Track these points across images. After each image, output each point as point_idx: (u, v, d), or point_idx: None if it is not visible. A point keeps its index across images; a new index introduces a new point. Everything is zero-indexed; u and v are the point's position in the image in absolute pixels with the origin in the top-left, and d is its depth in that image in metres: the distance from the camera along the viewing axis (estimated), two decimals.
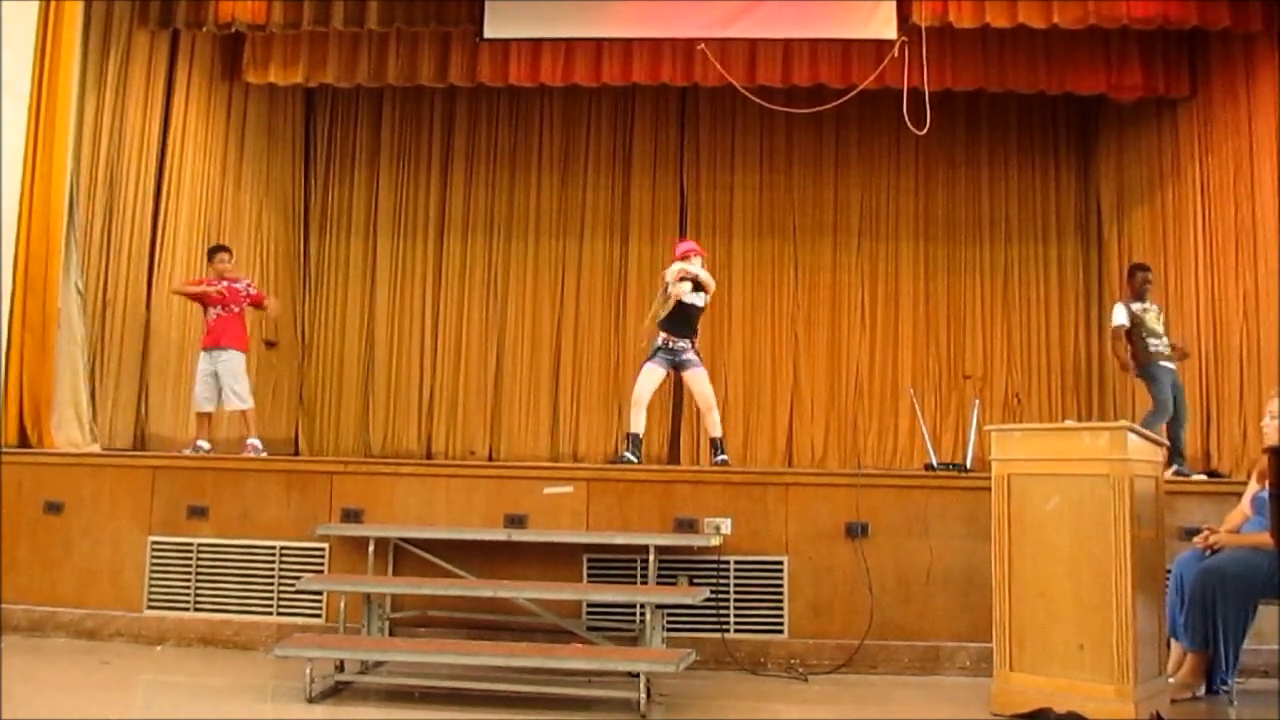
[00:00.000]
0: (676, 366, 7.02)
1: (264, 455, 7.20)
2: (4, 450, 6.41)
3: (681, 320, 7.00)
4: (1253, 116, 7.51)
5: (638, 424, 6.94)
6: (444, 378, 10.16)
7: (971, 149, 10.16)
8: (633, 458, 6.81)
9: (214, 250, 7.69)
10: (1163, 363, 7.28)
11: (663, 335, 6.99)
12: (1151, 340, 7.30)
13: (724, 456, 6.99)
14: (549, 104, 10.29)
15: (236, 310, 7.47)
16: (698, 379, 7.02)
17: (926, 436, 8.00)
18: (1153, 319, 7.35)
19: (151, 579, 5.95)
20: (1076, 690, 4.39)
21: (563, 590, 5.53)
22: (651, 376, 6.98)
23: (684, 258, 7.09)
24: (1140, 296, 7.42)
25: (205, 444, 7.27)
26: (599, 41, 8.25)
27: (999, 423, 8.07)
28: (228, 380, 7.36)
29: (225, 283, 7.48)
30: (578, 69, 8.33)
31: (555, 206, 10.34)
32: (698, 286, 7.00)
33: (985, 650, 4.95)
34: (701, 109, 10.25)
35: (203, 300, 7.50)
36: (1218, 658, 4.81)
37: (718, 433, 7.07)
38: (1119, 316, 7.42)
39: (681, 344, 6.99)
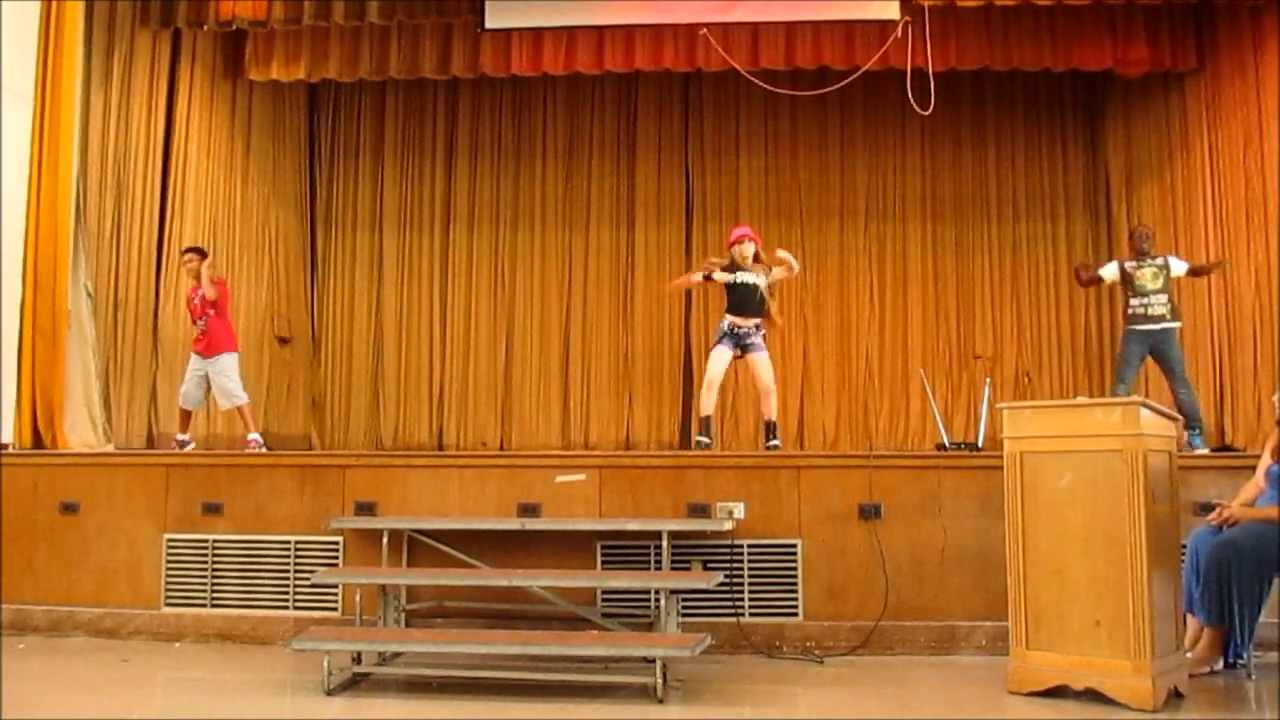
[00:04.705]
0: (743, 349, 6.97)
1: (264, 450, 7.23)
2: (20, 452, 6.47)
3: (741, 301, 6.96)
4: (1261, 89, 7.43)
5: (709, 406, 6.94)
6: (454, 369, 10.15)
7: (978, 128, 10.07)
8: (705, 440, 6.84)
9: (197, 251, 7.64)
10: (1136, 326, 7.11)
11: (729, 319, 6.97)
12: (1134, 300, 7.13)
13: (776, 441, 6.92)
14: (552, 93, 10.26)
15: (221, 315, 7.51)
16: (760, 363, 6.95)
17: (938, 416, 7.94)
18: (1147, 277, 7.11)
19: (168, 576, 6.00)
20: (1093, 667, 4.40)
21: (577, 577, 5.54)
22: (720, 359, 6.95)
23: (738, 242, 7.07)
24: (1139, 254, 7.22)
25: (184, 437, 7.35)
26: (600, 29, 8.20)
27: (1010, 401, 8.02)
28: (219, 381, 7.36)
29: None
30: (580, 57, 8.29)
31: (560, 195, 10.31)
32: (733, 267, 6.97)
33: (1001, 629, 4.95)
34: (705, 94, 10.19)
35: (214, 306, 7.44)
36: (1234, 632, 4.81)
37: (772, 416, 6.99)
38: (1107, 271, 7.34)
39: (746, 326, 6.95)
